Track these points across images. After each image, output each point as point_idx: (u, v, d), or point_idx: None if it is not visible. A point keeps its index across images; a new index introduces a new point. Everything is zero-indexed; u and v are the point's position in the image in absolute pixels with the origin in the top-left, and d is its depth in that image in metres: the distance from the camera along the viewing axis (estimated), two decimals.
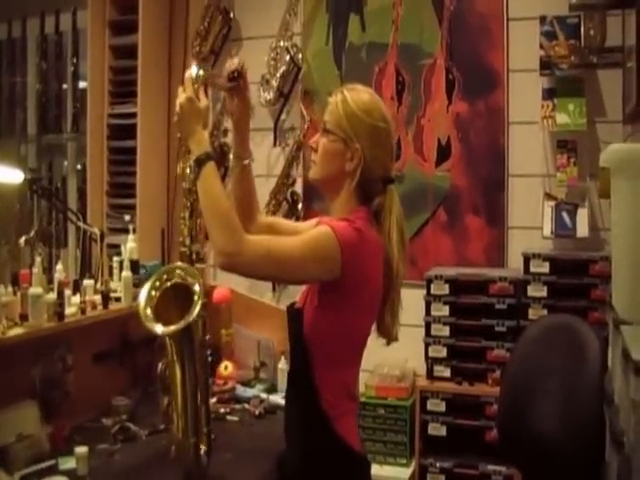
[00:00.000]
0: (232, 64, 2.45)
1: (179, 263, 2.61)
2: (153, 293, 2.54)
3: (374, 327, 2.34)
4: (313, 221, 2.56)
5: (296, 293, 2.58)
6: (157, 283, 2.57)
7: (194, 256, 2.60)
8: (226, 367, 3.84)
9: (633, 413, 1.90)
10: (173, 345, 2.52)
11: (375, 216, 2.28)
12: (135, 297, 3.53)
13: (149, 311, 2.50)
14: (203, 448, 2.58)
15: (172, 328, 2.45)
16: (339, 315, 2.20)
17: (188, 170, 2.54)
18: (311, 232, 2.20)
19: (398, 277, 2.28)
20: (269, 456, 2.85)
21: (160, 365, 2.65)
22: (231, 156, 2.61)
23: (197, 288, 2.49)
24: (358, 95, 2.32)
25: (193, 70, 2.35)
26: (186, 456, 2.54)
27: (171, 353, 2.54)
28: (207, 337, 2.60)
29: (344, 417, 2.27)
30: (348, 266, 2.12)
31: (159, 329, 2.46)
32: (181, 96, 2.31)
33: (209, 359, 2.69)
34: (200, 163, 2.19)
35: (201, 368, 2.57)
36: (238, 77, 2.43)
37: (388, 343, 2.36)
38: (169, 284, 2.56)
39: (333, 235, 2.11)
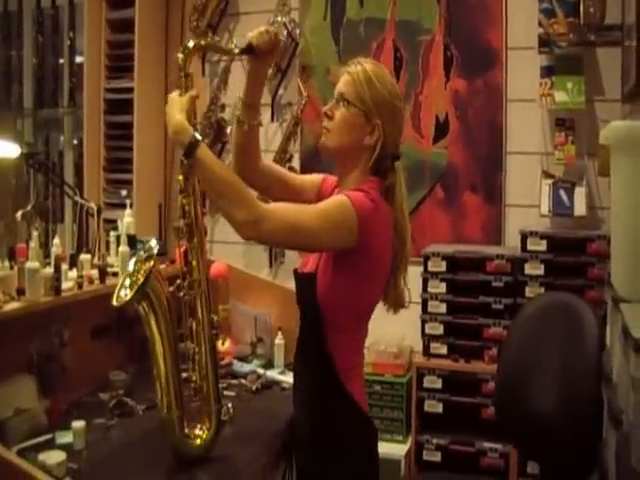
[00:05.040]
0: (251, 35, 2.36)
1: None
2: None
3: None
4: (318, 176, 2.64)
5: (293, 268, 2.59)
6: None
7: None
8: (223, 342, 3.83)
9: (633, 391, 1.90)
10: (144, 316, 2.52)
11: (386, 190, 2.34)
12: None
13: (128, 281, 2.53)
14: (206, 426, 2.57)
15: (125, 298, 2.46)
16: (353, 281, 2.27)
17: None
18: (328, 202, 2.25)
19: (406, 246, 2.38)
20: (268, 431, 2.86)
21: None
22: (239, 112, 2.51)
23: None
24: (379, 71, 2.37)
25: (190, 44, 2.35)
26: (172, 431, 2.54)
27: (146, 324, 2.53)
28: (214, 317, 2.57)
29: (354, 379, 2.36)
30: (363, 235, 2.19)
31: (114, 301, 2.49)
32: None
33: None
34: (192, 148, 2.13)
35: (208, 347, 2.54)
36: (250, 51, 2.37)
37: (396, 311, 2.45)
38: None
39: (350, 205, 2.17)
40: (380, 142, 2.32)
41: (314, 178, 2.63)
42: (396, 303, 2.43)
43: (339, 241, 2.20)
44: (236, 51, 2.38)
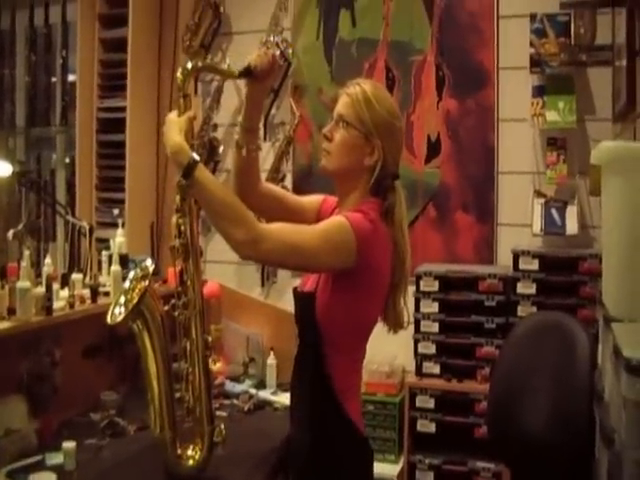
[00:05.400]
0: (250, 57, 2.37)
1: None
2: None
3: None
4: (318, 197, 2.61)
5: (287, 287, 2.59)
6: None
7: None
8: (215, 362, 3.82)
9: (624, 410, 1.90)
10: (138, 335, 2.51)
11: (385, 210, 2.34)
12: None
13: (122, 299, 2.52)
14: (199, 447, 2.56)
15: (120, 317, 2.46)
16: (352, 301, 2.28)
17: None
18: (327, 222, 2.26)
19: (405, 266, 2.37)
20: (261, 452, 2.86)
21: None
22: (237, 136, 2.50)
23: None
24: (378, 91, 2.38)
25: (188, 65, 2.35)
26: (165, 452, 2.53)
27: (140, 342, 2.53)
28: (208, 337, 2.56)
29: (352, 399, 2.36)
30: (362, 256, 2.20)
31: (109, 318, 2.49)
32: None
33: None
34: (190, 169, 2.12)
35: (202, 368, 2.53)
36: (249, 73, 2.36)
37: (396, 331, 2.44)
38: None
39: (349, 226, 2.18)
40: (380, 162, 2.32)
41: (313, 199, 2.62)
42: (396, 323, 2.42)
43: (337, 262, 2.21)
44: (235, 73, 2.38)
